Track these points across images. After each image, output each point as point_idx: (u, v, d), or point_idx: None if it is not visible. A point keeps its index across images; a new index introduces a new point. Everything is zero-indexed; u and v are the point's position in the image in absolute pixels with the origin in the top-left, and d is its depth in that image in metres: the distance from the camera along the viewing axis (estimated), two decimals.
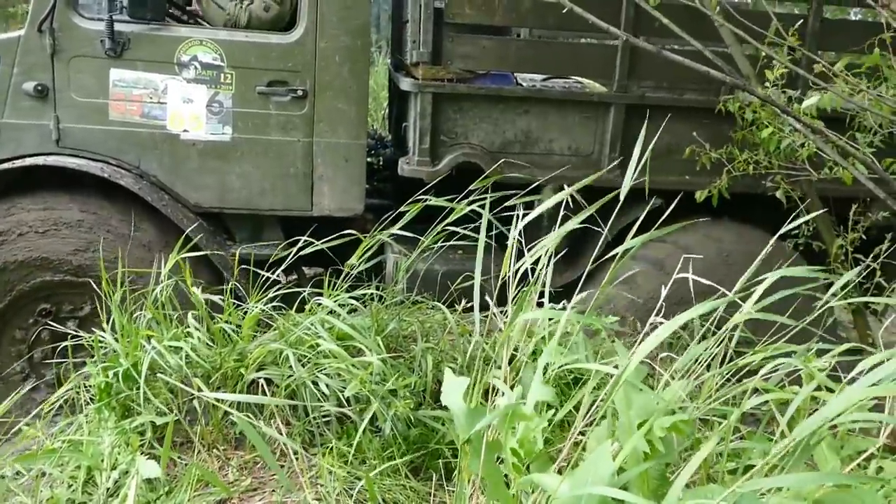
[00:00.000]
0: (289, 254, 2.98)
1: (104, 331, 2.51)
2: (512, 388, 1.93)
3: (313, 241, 2.79)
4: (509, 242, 2.24)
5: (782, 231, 2.19)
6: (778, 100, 2.82)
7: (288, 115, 3.16)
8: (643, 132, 2.11)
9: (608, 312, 2.91)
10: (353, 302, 2.71)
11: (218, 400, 2.32)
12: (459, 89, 3.13)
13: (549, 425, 1.73)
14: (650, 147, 3.31)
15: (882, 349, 1.47)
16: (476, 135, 3.21)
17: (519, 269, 2.12)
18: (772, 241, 2.12)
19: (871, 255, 2.97)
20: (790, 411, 1.60)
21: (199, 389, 2.32)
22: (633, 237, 2.02)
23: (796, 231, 3.11)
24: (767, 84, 2.80)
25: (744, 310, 1.84)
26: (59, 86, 3.02)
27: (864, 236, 3.16)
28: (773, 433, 1.76)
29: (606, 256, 2.05)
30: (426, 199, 2.80)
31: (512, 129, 3.23)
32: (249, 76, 3.10)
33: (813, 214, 2.67)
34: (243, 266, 3.02)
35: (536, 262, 2.11)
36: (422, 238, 2.91)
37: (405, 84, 3.16)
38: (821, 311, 2.02)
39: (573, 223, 2.02)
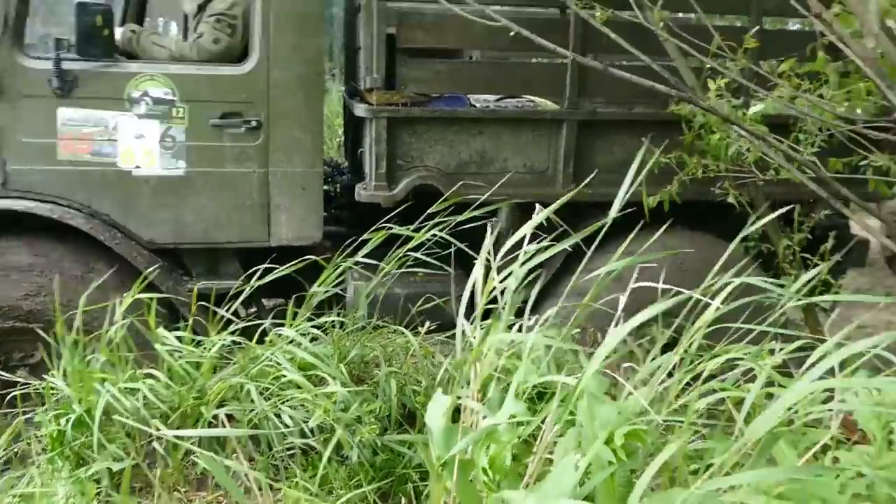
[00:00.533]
0: (247, 286, 2.96)
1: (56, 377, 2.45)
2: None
3: (274, 267, 2.78)
4: (477, 264, 2.25)
5: (741, 236, 2.25)
6: (724, 108, 2.90)
7: (243, 146, 3.14)
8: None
9: (571, 326, 2.93)
10: (315, 331, 2.70)
11: (178, 438, 2.28)
12: (413, 113, 3.16)
13: (518, 440, 1.75)
14: (602, 161, 3.44)
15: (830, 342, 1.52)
16: (432, 157, 3.23)
17: (492, 289, 2.13)
18: (731, 247, 2.19)
19: (818, 254, 3.07)
20: (745, 408, 1.66)
21: (158, 430, 2.27)
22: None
23: (746, 234, 3.21)
24: (710, 95, 2.88)
25: (706, 316, 1.90)
26: (4, 127, 2.96)
27: (810, 236, 3.25)
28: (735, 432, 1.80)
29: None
30: (389, 227, 2.82)
31: (467, 150, 3.26)
32: (202, 109, 3.08)
33: (762, 219, 2.76)
34: (201, 303, 2.98)
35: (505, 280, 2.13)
36: (381, 263, 2.92)
37: (360, 110, 3.18)
38: (779, 313, 2.07)
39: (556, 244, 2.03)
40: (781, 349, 2.01)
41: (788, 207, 3.09)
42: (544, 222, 3.10)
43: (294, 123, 3.16)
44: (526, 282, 2.07)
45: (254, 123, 3.12)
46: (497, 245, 2.38)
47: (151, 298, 2.89)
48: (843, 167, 2.97)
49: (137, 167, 3.08)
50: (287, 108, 3.14)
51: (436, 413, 1.76)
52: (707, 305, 1.88)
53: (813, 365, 1.45)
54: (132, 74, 3.03)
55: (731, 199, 3.17)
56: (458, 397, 2.04)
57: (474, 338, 2.17)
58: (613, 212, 2.01)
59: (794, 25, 4.61)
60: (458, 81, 3.29)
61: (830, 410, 1.71)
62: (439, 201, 2.86)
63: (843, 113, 2.81)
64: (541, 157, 3.33)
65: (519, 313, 2.65)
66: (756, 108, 2.94)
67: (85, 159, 3.04)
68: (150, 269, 3.01)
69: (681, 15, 3.38)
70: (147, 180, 3.10)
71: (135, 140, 3.06)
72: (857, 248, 3.68)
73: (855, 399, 1.65)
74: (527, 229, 2.19)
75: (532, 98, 3.80)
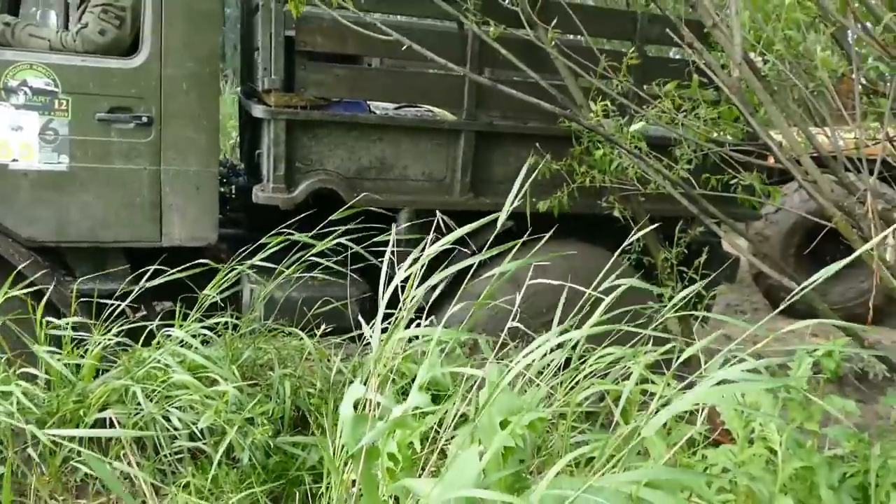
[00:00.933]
0: (135, 287, 2.86)
1: None
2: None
3: (165, 269, 2.69)
4: (383, 270, 2.28)
5: (622, 247, 2.41)
6: (610, 126, 3.09)
7: (132, 142, 3.02)
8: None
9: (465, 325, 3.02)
10: (207, 332, 2.65)
11: (56, 442, 2.18)
12: (313, 116, 3.15)
13: (431, 427, 1.83)
14: (499, 172, 3.56)
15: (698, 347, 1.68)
16: (332, 161, 3.23)
17: (387, 292, 2.17)
18: (614, 257, 2.35)
19: (692, 268, 3.31)
20: (621, 403, 1.79)
21: (32, 437, 2.17)
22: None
23: (629, 247, 3.42)
24: (593, 114, 3.05)
25: (589, 323, 2.03)
26: None
27: (686, 251, 3.50)
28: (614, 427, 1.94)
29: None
30: (288, 233, 2.81)
31: (367, 156, 3.29)
32: (88, 102, 2.94)
33: (642, 231, 2.96)
34: (84, 299, 2.85)
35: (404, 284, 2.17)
36: (278, 266, 2.90)
37: (258, 111, 3.14)
38: (659, 322, 2.24)
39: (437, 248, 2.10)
40: (655, 351, 2.19)
41: (658, 224, 3.36)
42: (444, 230, 3.19)
43: (188, 122, 3.07)
44: (425, 287, 2.12)
45: (144, 119, 3.01)
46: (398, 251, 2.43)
47: (27, 297, 2.76)
48: (716, 183, 3.22)
49: (15, 160, 2.90)
50: (180, 106, 3.05)
51: (349, 402, 1.78)
52: (594, 310, 2.02)
53: (684, 362, 1.59)
54: (9, 63, 2.85)
55: (616, 213, 3.37)
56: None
57: (378, 339, 2.21)
58: (502, 218, 2.10)
59: (675, 55, 4.96)
60: (358, 87, 3.31)
61: (697, 406, 1.89)
62: (342, 209, 2.88)
63: (714, 136, 3.08)
64: (439, 165, 3.40)
65: (417, 317, 2.72)
66: (635, 126, 3.14)
67: None
68: (28, 267, 2.85)
69: (571, 37, 3.55)
70: (25, 174, 2.92)
71: (11, 132, 2.88)
72: (729, 265, 3.98)
73: (721, 399, 1.80)
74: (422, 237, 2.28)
75: (431, 108, 3.88)
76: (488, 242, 2.15)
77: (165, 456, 2.34)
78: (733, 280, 4.68)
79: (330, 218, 2.88)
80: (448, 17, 3.27)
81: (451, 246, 2.11)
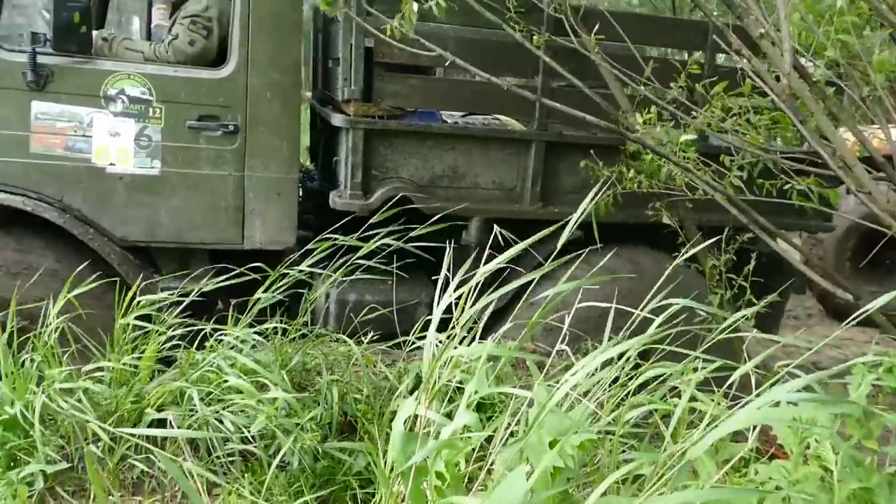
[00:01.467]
0: (217, 287, 2.99)
1: None
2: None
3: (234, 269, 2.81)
4: (441, 275, 2.34)
5: (683, 254, 2.41)
6: (659, 134, 3.07)
7: (219, 149, 3.17)
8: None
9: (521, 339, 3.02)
10: (257, 337, 2.72)
11: (115, 441, 2.27)
12: (390, 126, 3.25)
13: (475, 447, 1.84)
14: (568, 182, 3.59)
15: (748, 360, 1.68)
16: (406, 169, 3.32)
17: (445, 301, 2.21)
18: (669, 269, 2.34)
19: (741, 276, 3.25)
20: (672, 423, 1.78)
21: (93, 434, 2.26)
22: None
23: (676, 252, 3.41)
24: (639, 126, 3.04)
25: (643, 338, 1.97)
26: None
27: (734, 257, 3.41)
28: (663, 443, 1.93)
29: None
30: (333, 238, 2.90)
31: (440, 165, 3.37)
32: (179, 110, 3.10)
33: (694, 240, 2.96)
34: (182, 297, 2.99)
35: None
36: (327, 273, 2.96)
37: (337, 120, 3.25)
38: (714, 337, 2.23)
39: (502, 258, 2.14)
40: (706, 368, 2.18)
41: (714, 232, 3.29)
42: (512, 239, 3.25)
43: (271, 129, 3.21)
44: (489, 296, 2.15)
45: (231, 127, 3.16)
46: (466, 258, 2.49)
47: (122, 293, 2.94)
48: (772, 190, 3.15)
49: (112, 164, 3.09)
50: (264, 114, 3.19)
51: (401, 419, 1.81)
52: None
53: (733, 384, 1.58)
54: (109, 72, 3.03)
55: (665, 219, 3.32)
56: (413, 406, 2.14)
57: (432, 352, 2.23)
58: (568, 231, 2.13)
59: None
60: (432, 97, 3.40)
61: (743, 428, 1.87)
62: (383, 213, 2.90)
63: (764, 143, 3.00)
64: (510, 174, 3.46)
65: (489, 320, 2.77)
66: (685, 136, 3.10)
67: (58, 154, 3.03)
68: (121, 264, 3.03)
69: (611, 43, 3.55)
70: (121, 178, 3.10)
71: (110, 137, 3.06)
72: (798, 276, 3.92)
73: (775, 414, 1.77)
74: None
75: (497, 116, 3.94)
76: (556, 250, 2.19)
77: (217, 458, 2.40)
78: (803, 291, 4.58)
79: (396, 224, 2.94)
80: (521, 29, 3.31)
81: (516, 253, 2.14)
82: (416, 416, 2.02)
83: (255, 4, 3.08)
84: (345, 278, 3.10)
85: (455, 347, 2.21)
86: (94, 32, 3.07)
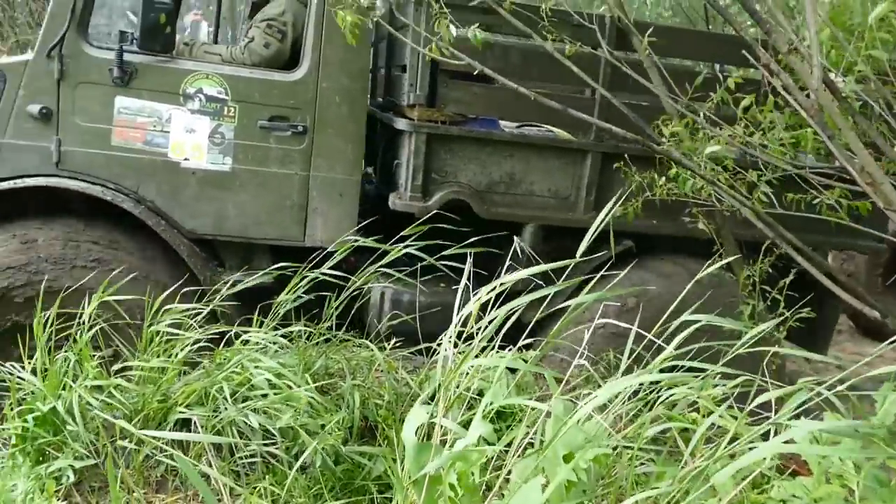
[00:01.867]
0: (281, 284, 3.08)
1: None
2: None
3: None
4: (461, 284, 2.39)
5: (712, 264, 2.44)
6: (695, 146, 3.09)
7: (287, 149, 3.30)
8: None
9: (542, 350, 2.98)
10: (282, 339, 2.77)
11: (140, 440, 2.31)
12: (452, 131, 3.35)
13: (486, 459, 1.85)
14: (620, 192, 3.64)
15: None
16: (465, 174, 3.42)
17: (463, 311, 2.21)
18: (697, 276, 2.40)
19: (776, 288, 3.20)
20: (693, 441, 1.78)
21: (122, 430, 2.30)
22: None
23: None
24: (664, 139, 3.05)
25: (667, 351, 2.06)
26: (63, 110, 3.09)
27: (770, 270, 3.36)
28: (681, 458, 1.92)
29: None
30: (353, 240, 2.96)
31: (498, 171, 3.46)
32: (252, 110, 3.24)
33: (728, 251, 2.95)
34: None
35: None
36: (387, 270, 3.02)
37: (401, 124, 3.36)
38: (737, 349, 2.24)
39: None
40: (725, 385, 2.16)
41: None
42: (569, 246, 3.30)
43: (337, 132, 3.33)
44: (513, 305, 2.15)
45: (300, 128, 3.29)
46: (520, 263, 2.56)
47: (184, 284, 3.06)
48: (800, 203, 3.12)
49: (186, 159, 3.23)
50: (332, 117, 3.31)
51: (411, 428, 1.83)
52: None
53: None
54: (189, 71, 3.18)
55: (701, 226, 3.32)
56: (431, 415, 2.11)
57: (451, 361, 2.23)
58: (587, 240, 2.18)
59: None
60: (493, 105, 3.49)
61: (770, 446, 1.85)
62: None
63: (791, 159, 2.94)
64: (565, 183, 3.53)
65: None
66: (710, 149, 3.02)
67: (137, 147, 3.18)
68: (190, 256, 3.16)
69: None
70: (194, 173, 3.25)
71: (186, 133, 3.21)
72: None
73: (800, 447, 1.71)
74: None
75: (551, 128, 4.01)
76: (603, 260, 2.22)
77: (240, 458, 2.44)
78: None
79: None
80: (584, 42, 3.40)
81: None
82: (432, 425, 2.03)
83: (329, 12, 3.22)
84: (403, 278, 3.19)
85: (475, 356, 2.19)
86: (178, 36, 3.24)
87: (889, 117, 2.50)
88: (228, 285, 3.07)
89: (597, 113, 3.47)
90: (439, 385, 2.36)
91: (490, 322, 2.18)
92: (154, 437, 2.33)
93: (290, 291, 2.95)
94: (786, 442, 1.51)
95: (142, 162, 3.19)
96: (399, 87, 3.64)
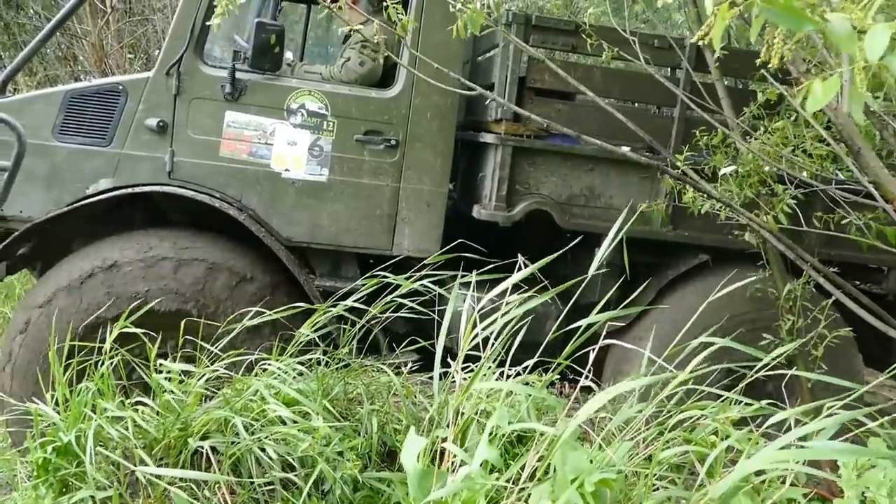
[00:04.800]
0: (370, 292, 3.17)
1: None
2: (461, 447, 2.08)
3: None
4: (465, 309, 2.42)
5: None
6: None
7: (380, 161, 3.50)
8: None
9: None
10: (299, 367, 2.79)
11: (156, 475, 2.31)
12: (536, 145, 3.51)
13: (494, 486, 1.85)
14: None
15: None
16: (546, 187, 3.57)
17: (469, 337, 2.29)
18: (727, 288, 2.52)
19: (818, 307, 3.20)
20: (706, 464, 1.81)
21: (141, 461, 2.33)
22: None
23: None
24: (679, 159, 3.12)
25: (680, 377, 2.09)
26: (177, 123, 3.34)
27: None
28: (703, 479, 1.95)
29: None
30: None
31: (578, 184, 3.60)
32: (349, 125, 3.45)
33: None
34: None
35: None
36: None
37: (488, 137, 3.54)
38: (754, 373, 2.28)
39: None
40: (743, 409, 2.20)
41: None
42: (639, 259, 3.38)
43: (427, 146, 3.52)
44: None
45: (392, 142, 3.48)
46: (595, 276, 2.60)
47: (282, 291, 3.22)
48: (827, 223, 3.15)
49: (287, 170, 3.45)
50: (423, 132, 3.51)
51: (410, 454, 1.85)
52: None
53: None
54: (293, 88, 3.42)
55: (748, 237, 3.30)
56: (441, 438, 2.15)
57: (462, 380, 2.27)
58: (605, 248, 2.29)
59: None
60: (575, 122, 3.64)
61: (788, 469, 1.87)
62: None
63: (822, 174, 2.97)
64: (643, 198, 3.65)
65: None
66: (725, 169, 3.10)
67: (242, 158, 3.41)
68: (290, 262, 3.35)
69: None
70: (293, 183, 3.46)
71: (287, 146, 3.43)
72: None
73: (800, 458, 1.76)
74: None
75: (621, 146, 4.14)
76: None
77: (259, 486, 2.45)
78: None
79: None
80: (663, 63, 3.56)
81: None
82: (443, 450, 2.04)
83: (424, 34, 3.43)
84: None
85: (485, 377, 2.22)
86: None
87: None
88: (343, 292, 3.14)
89: (675, 131, 3.61)
90: (440, 408, 2.42)
91: (495, 342, 2.24)
92: (173, 466, 2.37)
93: (381, 301, 2.95)
94: (783, 448, 1.56)
95: (246, 172, 3.41)
96: (482, 106, 3.83)
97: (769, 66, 1.64)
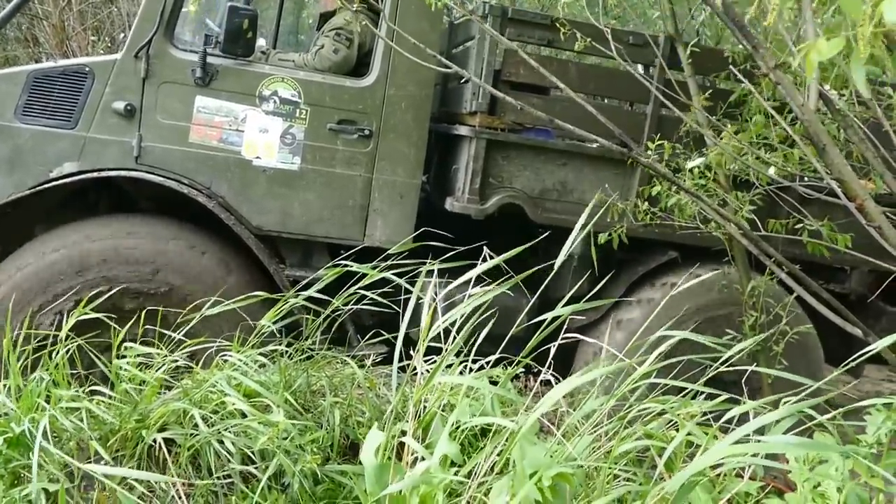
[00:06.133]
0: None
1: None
2: (422, 442, 2.05)
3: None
4: (427, 300, 2.39)
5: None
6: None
7: (353, 151, 3.47)
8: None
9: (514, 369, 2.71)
10: (262, 358, 2.75)
11: (115, 460, 2.28)
12: (510, 138, 3.51)
13: (453, 480, 1.83)
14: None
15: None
16: (519, 180, 3.57)
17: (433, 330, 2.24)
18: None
19: (780, 304, 3.25)
20: (664, 457, 1.82)
21: (95, 453, 2.27)
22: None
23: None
24: (650, 150, 3.14)
25: (639, 371, 2.06)
26: (146, 107, 3.27)
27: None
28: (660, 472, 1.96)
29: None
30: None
31: (551, 179, 3.61)
32: (323, 113, 3.41)
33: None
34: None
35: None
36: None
37: (462, 130, 3.53)
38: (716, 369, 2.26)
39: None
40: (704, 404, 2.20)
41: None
42: (616, 254, 3.40)
43: (401, 137, 3.50)
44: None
45: (366, 132, 3.45)
46: (565, 270, 2.59)
47: (249, 280, 3.18)
48: (782, 227, 3.21)
49: (258, 158, 3.39)
50: (397, 123, 3.48)
51: (370, 449, 1.84)
52: None
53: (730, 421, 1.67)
54: (265, 75, 3.36)
55: (717, 234, 3.34)
56: (401, 432, 2.13)
57: (424, 373, 2.24)
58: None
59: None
60: (550, 115, 3.65)
61: (746, 465, 1.88)
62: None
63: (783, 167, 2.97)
64: (615, 193, 3.67)
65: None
66: (694, 162, 3.11)
67: (213, 145, 3.35)
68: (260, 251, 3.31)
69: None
70: (264, 171, 3.41)
71: (259, 133, 3.38)
72: (887, 317, 4.01)
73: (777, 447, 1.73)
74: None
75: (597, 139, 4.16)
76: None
77: (219, 478, 2.39)
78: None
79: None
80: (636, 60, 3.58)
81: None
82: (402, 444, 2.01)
83: (399, 23, 3.40)
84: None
85: (447, 370, 2.18)
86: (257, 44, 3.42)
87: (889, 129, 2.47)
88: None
89: (647, 127, 3.63)
90: (402, 404, 2.37)
91: (455, 334, 2.20)
92: (130, 458, 2.32)
93: (346, 291, 2.88)
94: (736, 442, 1.56)
95: (216, 159, 3.36)
96: (456, 99, 3.82)
97: (766, 23, 1.62)
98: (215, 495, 2.39)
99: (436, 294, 3.58)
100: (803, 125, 2.31)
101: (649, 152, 3.21)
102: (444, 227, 3.48)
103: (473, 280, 2.38)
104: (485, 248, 2.53)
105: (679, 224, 3.30)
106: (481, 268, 2.36)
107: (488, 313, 2.36)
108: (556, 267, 2.28)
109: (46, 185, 3.19)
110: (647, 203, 3.43)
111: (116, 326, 2.75)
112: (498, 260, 2.38)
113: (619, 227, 3.38)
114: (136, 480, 2.25)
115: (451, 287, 2.99)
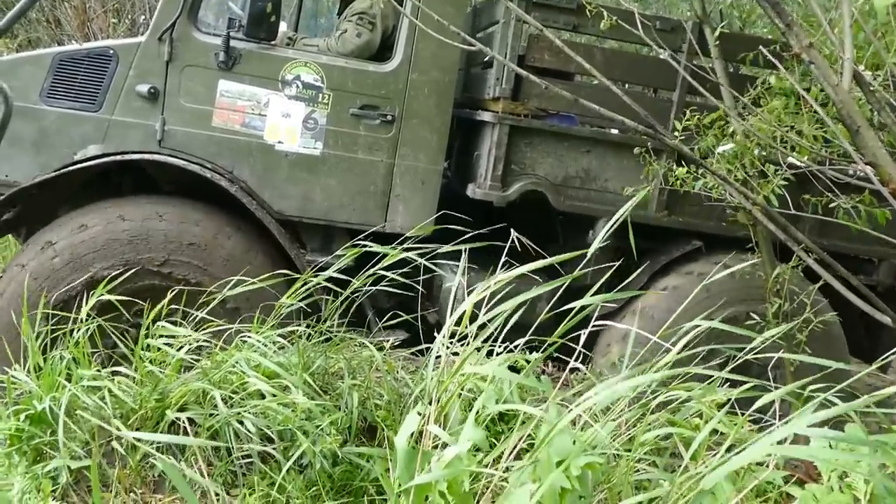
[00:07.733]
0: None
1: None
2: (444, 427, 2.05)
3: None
4: (454, 285, 2.39)
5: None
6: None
7: (375, 136, 3.45)
8: None
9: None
10: (281, 339, 2.76)
11: (137, 441, 2.30)
12: (533, 125, 3.47)
13: (478, 464, 1.85)
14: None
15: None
16: (542, 167, 3.53)
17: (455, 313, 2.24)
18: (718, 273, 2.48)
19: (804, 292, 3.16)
20: (692, 447, 1.80)
21: (118, 430, 2.29)
22: None
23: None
24: (677, 133, 3.07)
25: (668, 357, 2.07)
26: (169, 90, 3.27)
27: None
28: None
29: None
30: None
31: (574, 166, 3.57)
32: (345, 98, 3.39)
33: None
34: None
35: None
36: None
37: (485, 116, 3.49)
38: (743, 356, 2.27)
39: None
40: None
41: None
42: (638, 242, 3.36)
43: (423, 123, 3.47)
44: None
45: (388, 118, 3.43)
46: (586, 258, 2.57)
47: (271, 264, 3.18)
48: (815, 206, 3.11)
49: (280, 142, 3.39)
50: (419, 108, 3.45)
51: (404, 434, 1.82)
52: None
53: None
54: (288, 59, 3.35)
55: (740, 217, 3.26)
56: (422, 416, 2.06)
57: (452, 359, 2.23)
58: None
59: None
60: (575, 102, 3.60)
61: (771, 455, 1.84)
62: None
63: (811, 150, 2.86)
64: (638, 181, 3.62)
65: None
66: (725, 146, 3.05)
67: (235, 129, 3.34)
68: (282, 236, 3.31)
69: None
70: (286, 155, 3.40)
71: (281, 118, 3.37)
72: None
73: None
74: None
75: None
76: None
77: (237, 459, 2.42)
78: None
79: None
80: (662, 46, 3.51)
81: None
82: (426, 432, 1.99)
83: (423, 5, 3.36)
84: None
85: (472, 359, 2.13)
86: (281, 30, 3.40)
87: None
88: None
89: (673, 114, 3.57)
90: (426, 389, 2.34)
91: (486, 321, 2.19)
92: (150, 436, 2.31)
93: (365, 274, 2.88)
94: (779, 443, 1.54)
95: (238, 143, 3.35)
96: (479, 84, 3.78)
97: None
98: (234, 475, 2.42)
99: (463, 278, 3.60)
100: (835, 107, 2.25)
101: (675, 133, 3.14)
102: (465, 214, 3.46)
103: (499, 267, 2.37)
104: (513, 232, 2.50)
105: (714, 195, 3.19)
106: (533, 266, 2.29)
107: (514, 304, 2.33)
108: (588, 256, 2.24)
109: (72, 168, 3.20)
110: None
111: (147, 305, 2.78)
112: (551, 260, 2.32)
113: (646, 187, 3.31)
114: (155, 460, 2.27)
115: (502, 280, 2.98)
